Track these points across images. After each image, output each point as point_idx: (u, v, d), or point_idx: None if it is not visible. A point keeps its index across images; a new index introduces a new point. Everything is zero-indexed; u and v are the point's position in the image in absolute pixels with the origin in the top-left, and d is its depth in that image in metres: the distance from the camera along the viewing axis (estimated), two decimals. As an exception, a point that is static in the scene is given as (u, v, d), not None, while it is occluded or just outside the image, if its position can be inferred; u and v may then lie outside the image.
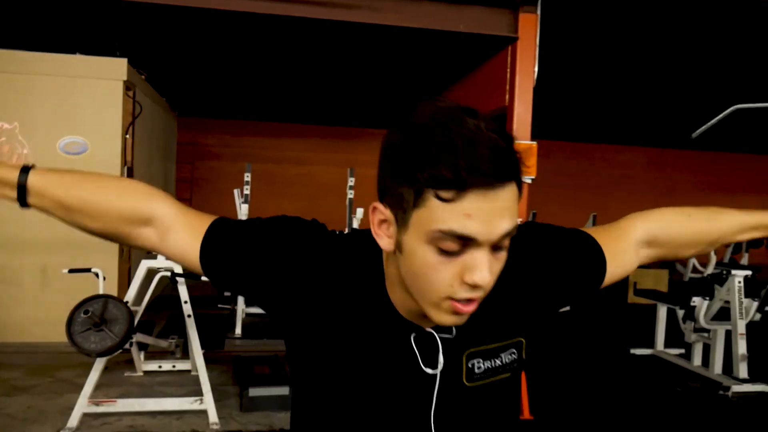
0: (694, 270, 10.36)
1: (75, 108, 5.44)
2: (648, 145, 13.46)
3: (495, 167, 0.73)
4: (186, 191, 11.01)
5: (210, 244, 0.96)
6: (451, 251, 0.76)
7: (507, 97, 6.12)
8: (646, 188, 14.04)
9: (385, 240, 0.84)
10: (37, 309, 5.37)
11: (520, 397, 1.16)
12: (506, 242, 0.79)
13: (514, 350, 0.98)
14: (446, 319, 0.82)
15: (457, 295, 0.79)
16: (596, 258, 1.05)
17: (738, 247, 10.81)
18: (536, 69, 6.00)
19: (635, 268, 1.14)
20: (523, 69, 5.98)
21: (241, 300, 6.08)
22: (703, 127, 3.16)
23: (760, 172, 14.27)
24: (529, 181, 5.92)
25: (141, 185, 1.02)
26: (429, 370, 0.91)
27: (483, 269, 0.76)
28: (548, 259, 1.01)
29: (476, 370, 0.94)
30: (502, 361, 0.97)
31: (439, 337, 0.91)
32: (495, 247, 0.78)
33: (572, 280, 1.04)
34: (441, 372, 0.92)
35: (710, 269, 9.08)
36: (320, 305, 0.92)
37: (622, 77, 7.49)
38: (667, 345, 5.88)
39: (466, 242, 0.75)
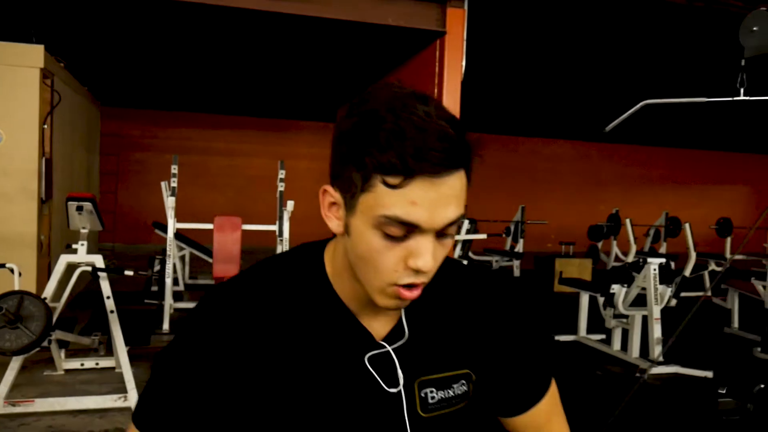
0: (617, 259, 10.85)
1: (-12, 96, 5.18)
2: (574, 138, 13.91)
3: (442, 155, 0.73)
4: (111, 184, 10.66)
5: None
6: (396, 236, 0.77)
7: (435, 90, 6.20)
8: (573, 179, 14.53)
9: (334, 222, 0.84)
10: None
11: None
12: (452, 230, 0.80)
13: (464, 381, 0.98)
14: (390, 303, 0.83)
15: (401, 280, 0.80)
16: (543, 376, 1.06)
17: (657, 236, 11.38)
18: (464, 63, 6.10)
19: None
20: (451, 63, 6.07)
21: (169, 294, 5.95)
22: (615, 122, 3.30)
23: (675, 164, 14.98)
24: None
25: None
26: (392, 390, 0.90)
27: (426, 255, 0.77)
28: (504, 315, 1.02)
29: (430, 400, 0.94)
30: (454, 392, 0.96)
31: (394, 351, 0.91)
32: (440, 234, 0.79)
33: (514, 359, 1.03)
34: (408, 405, 0.92)
35: (630, 258, 9.53)
36: (275, 346, 0.88)
37: (549, 72, 7.71)
38: (589, 331, 6.13)
39: (410, 228, 0.76)
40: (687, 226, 8.86)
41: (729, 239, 10.43)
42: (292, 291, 0.90)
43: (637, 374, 4.98)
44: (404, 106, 0.75)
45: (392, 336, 0.92)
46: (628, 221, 9.29)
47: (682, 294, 8.31)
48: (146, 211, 10.42)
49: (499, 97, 9.32)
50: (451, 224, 0.78)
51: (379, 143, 0.74)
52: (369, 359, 0.90)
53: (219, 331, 0.87)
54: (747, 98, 2.59)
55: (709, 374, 4.99)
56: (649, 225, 11.44)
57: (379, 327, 0.92)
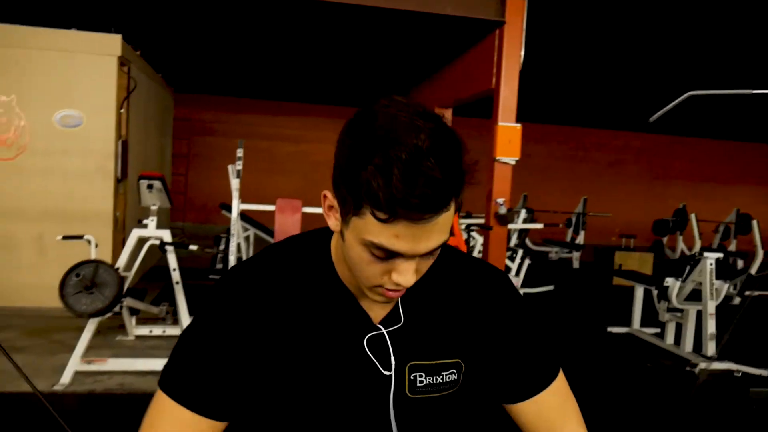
0: (682, 254, 10.58)
1: (70, 82, 5.57)
2: (642, 130, 13.56)
3: (425, 202, 0.76)
4: (182, 166, 11.16)
5: (183, 394, 0.94)
6: (381, 257, 0.84)
7: (494, 80, 6.25)
8: (640, 173, 14.18)
9: (332, 221, 0.90)
10: (33, 275, 5.55)
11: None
12: (435, 252, 0.86)
13: (454, 370, 1.02)
14: (377, 299, 0.91)
15: (386, 285, 0.88)
16: (548, 361, 1.07)
17: (727, 233, 11.02)
18: (523, 53, 6.12)
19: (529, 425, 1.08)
20: (510, 53, 6.10)
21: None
22: (660, 112, 3.31)
23: (749, 160, 14.35)
24: (513, 163, 6.09)
25: None
26: (386, 372, 0.97)
27: (407, 275, 0.85)
28: (494, 295, 1.05)
29: (418, 384, 0.99)
30: (443, 380, 1.01)
31: (388, 334, 0.98)
32: (429, 254, 0.86)
33: (513, 342, 1.05)
34: (397, 386, 0.98)
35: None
36: (283, 324, 0.96)
37: (613, 62, 7.60)
38: (644, 325, 6.08)
39: (394, 254, 0.83)
40: (755, 223, 8.59)
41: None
42: (301, 273, 0.98)
43: (688, 368, 4.94)
44: (396, 139, 0.77)
45: (388, 320, 0.99)
46: (693, 216, 9.05)
47: (747, 293, 8.09)
48: (215, 192, 10.87)
49: (564, 87, 9.23)
50: (432, 251, 0.85)
51: (368, 180, 0.77)
52: (367, 341, 0.97)
53: (234, 308, 0.95)
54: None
55: (765, 372, 4.90)
56: (718, 221, 11.09)
57: (377, 310, 0.99)
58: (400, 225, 0.79)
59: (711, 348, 5.10)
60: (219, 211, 8.79)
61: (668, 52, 6.90)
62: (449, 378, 1.01)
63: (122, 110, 5.85)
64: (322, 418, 0.97)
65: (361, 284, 0.92)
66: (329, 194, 0.89)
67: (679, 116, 11.23)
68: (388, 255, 0.83)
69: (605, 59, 7.46)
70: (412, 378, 0.98)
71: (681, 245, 10.77)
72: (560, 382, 1.06)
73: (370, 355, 0.96)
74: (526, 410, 1.04)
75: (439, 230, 0.81)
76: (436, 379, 1.00)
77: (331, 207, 0.90)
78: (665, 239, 11.36)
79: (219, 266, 7.24)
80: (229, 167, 7.20)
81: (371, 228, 0.81)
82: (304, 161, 12.10)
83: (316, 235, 1.03)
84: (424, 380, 0.99)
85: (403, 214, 0.77)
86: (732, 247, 10.85)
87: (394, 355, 0.97)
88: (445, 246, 0.95)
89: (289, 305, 0.96)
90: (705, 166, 14.16)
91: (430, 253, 0.85)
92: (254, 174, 8.13)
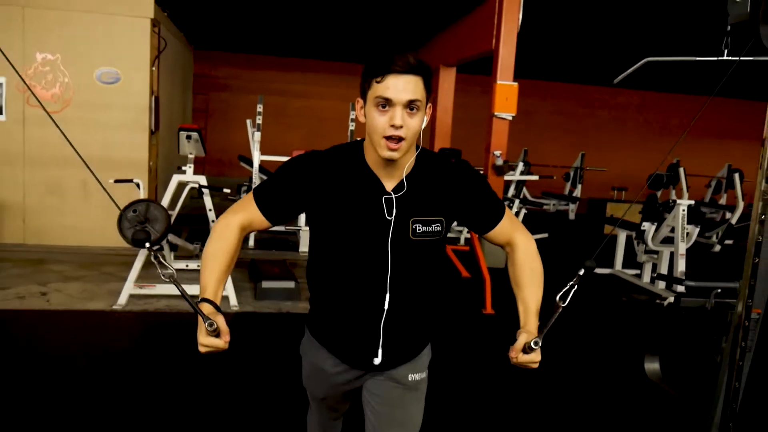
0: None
1: (109, 42, 6.13)
2: (641, 88, 13.95)
3: (404, 65, 1.36)
4: (202, 120, 11.72)
5: (260, 203, 1.53)
6: (383, 107, 1.38)
7: (494, 41, 6.78)
8: (638, 129, 14.63)
9: (360, 113, 1.47)
10: (78, 217, 6.23)
11: (445, 254, 1.81)
12: (416, 105, 1.38)
13: (438, 224, 1.55)
14: (385, 153, 1.41)
15: (387, 132, 1.38)
16: (497, 210, 1.64)
17: (719, 187, 11.56)
18: (521, 16, 6.63)
19: (498, 243, 1.69)
20: (509, 17, 6.64)
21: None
22: (622, 75, 3.87)
23: (744, 117, 14.72)
24: (509, 118, 6.66)
25: (222, 226, 1.51)
26: (389, 217, 1.51)
27: (397, 117, 1.37)
28: (465, 181, 1.59)
29: (417, 230, 1.53)
30: (432, 229, 1.54)
31: (396, 198, 1.51)
32: (410, 108, 1.38)
33: (474, 205, 1.61)
34: (397, 227, 1.50)
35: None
36: (328, 182, 1.50)
37: (614, 20, 7.97)
38: (626, 267, 6.72)
39: (387, 102, 1.37)
40: (736, 176, 9.14)
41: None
42: (346, 158, 1.54)
43: (658, 301, 5.61)
44: (392, 54, 1.39)
45: (396, 189, 1.52)
46: (681, 170, 9.59)
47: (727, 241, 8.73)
48: (229, 147, 11.47)
49: (568, 45, 9.62)
50: (411, 102, 1.37)
51: (374, 64, 1.39)
52: (384, 200, 1.51)
53: (303, 165, 1.53)
54: (730, 58, 3.14)
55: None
56: (711, 176, 11.61)
57: (389, 183, 1.52)
58: (388, 81, 1.36)
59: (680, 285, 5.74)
60: (234, 165, 9.35)
61: (666, 11, 7.31)
62: (436, 228, 1.55)
63: (153, 68, 6.42)
64: (348, 244, 1.53)
65: (375, 144, 1.42)
66: (359, 99, 1.47)
67: (677, 74, 11.66)
68: (385, 103, 1.37)
69: (608, 18, 7.86)
70: (414, 227, 1.52)
71: (674, 199, 11.31)
72: (507, 215, 1.66)
73: (384, 207, 1.51)
74: (492, 234, 1.65)
75: (413, 89, 1.37)
76: (428, 228, 1.54)
77: (360, 107, 1.47)
78: (659, 193, 11.92)
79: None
80: (248, 121, 7.78)
81: (374, 89, 1.38)
82: (312, 116, 12.60)
83: (357, 141, 1.59)
84: (421, 228, 1.53)
85: (390, 70, 1.35)
86: (722, 201, 11.41)
87: (397, 210, 1.50)
88: (432, 153, 1.61)
89: (337, 173, 1.51)
90: (701, 123, 14.59)
91: (410, 107, 1.38)
92: (266, 128, 8.62)
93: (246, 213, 1.52)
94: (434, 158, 1.60)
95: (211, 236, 1.51)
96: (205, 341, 1.31)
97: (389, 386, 1.65)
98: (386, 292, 1.53)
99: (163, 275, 1.40)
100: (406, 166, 1.50)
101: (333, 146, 1.59)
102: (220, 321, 1.33)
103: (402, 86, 1.36)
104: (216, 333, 1.31)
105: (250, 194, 1.55)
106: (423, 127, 1.45)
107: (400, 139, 1.39)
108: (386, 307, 1.54)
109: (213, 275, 1.44)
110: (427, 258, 1.58)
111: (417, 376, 1.67)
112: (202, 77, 11.70)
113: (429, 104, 1.45)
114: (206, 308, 1.36)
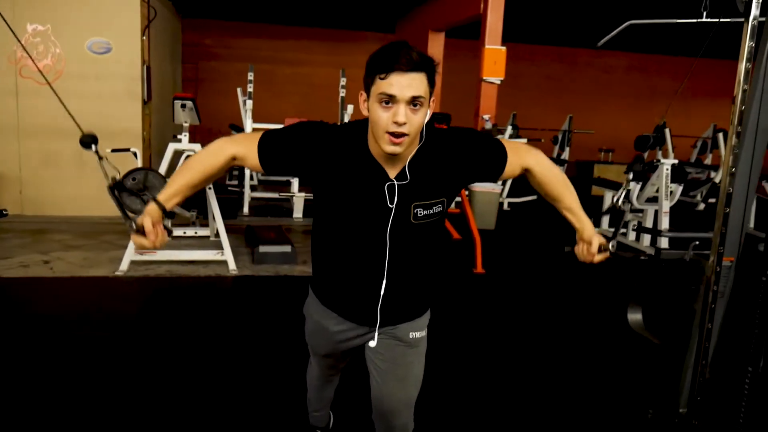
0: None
1: (99, 11, 6.14)
2: (629, 50, 13.99)
3: (407, 62, 1.35)
4: (191, 90, 11.70)
5: (262, 147, 1.54)
6: (386, 103, 1.38)
7: (482, 5, 6.84)
8: (626, 91, 14.72)
9: (363, 107, 1.47)
10: (74, 187, 6.32)
11: (446, 230, 1.92)
12: (420, 101, 1.38)
13: (440, 205, 1.59)
14: (388, 148, 1.41)
15: (390, 128, 1.39)
16: (500, 156, 1.63)
17: (704, 147, 11.72)
18: (508, -20, 6.66)
19: (516, 176, 1.72)
20: (496, -20, 6.66)
21: (247, 186, 7.02)
22: (605, 38, 3.98)
23: (731, 78, 14.80)
24: (498, 82, 6.76)
25: (217, 146, 1.55)
26: (390, 205, 1.54)
27: (400, 115, 1.37)
28: (465, 151, 1.59)
29: (419, 215, 1.56)
30: (433, 211, 1.58)
31: (398, 186, 1.52)
32: (413, 105, 1.38)
33: (480, 166, 1.62)
34: (398, 213, 1.53)
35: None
36: (332, 162, 1.52)
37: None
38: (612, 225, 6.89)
39: (391, 98, 1.37)
40: (720, 135, 9.29)
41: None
42: (353, 140, 1.54)
43: (642, 258, 5.80)
44: (396, 46, 1.40)
45: (399, 177, 1.53)
46: (667, 131, 9.74)
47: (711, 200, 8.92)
48: (220, 115, 11.47)
49: (555, 7, 9.63)
50: (414, 99, 1.37)
51: (378, 61, 1.39)
52: (387, 187, 1.53)
53: (317, 135, 1.53)
54: (708, 20, 3.26)
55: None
56: (697, 137, 11.76)
57: (392, 171, 1.53)
58: (392, 78, 1.36)
59: (664, 241, 5.93)
60: (223, 134, 9.33)
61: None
62: (437, 209, 1.60)
63: (144, 37, 6.44)
64: (349, 226, 1.59)
65: (378, 138, 1.42)
66: (363, 92, 1.47)
67: (662, 36, 11.70)
68: (389, 100, 1.37)
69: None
70: (415, 212, 1.56)
71: (659, 159, 11.47)
72: (509, 150, 1.64)
73: (386, 194, 1.54)
74: (504, 175, 1.66)
75: (416, 86, 1.37)
76: (429, 211, 1.58)
77: (363, 100, 1.47)
78: (646, 154, 12.07)
79: (234, 181, 8.01)
80: (239, 90, 7.83)
81: (378, 85, 1.38)
82: (302, 83, 12.59)
83: (362, 123, 1.56)
84: (422, 212, 1.57)
85: (394, 68, 1.35)
86: (708, 161, 11.59)
87: (398, 197, 1.53)
88: (438, 131, 1.59)
89: (344, 155, 1.52)
90: (688, 84, 14.67)
91: (413, 104, 1.38)
92: (256, 96, 8.65)
93: (245, 149, 1.55)
94: (439, 138, 1.59)
95: (202, 149, 1.57)
96: (133, 239, 1.47)
97: (392, 344, 1.72)
98: (384, 268, 1.61)
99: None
100: (410, 155, 1.53)
101: (344, 123, 1.63)
102: (146, 221, 1.46)
103: (406, 84, 1.37)
104: (140, 231, 1.45)
105: (257, 135, 1.57)
106: (426, 120, 1.47)
107: (402, 135, 1.41)
108: (384, 278, 1.61)
109: (179, 182, 1.53)
110: (427, 235, 1.64)
111: (417, 334, 1.75)
112: (191, 46, 11.65)
113: (432, 98, 1.48)
114: (151, 208, 1.49)
